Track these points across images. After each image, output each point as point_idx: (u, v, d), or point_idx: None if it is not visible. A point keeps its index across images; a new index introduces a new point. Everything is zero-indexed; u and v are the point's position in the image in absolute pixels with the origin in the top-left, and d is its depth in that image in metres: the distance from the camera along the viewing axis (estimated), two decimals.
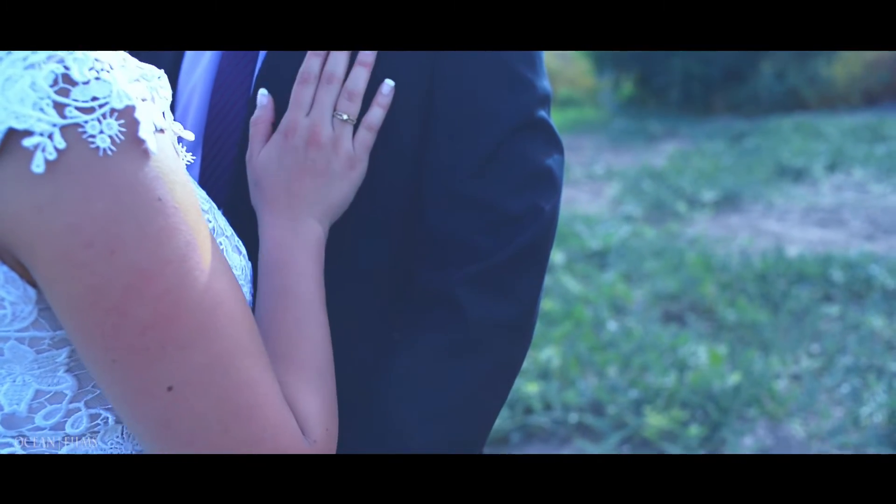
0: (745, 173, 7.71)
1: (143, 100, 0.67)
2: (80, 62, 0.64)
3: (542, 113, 1.01)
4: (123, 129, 0.64)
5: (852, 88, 12.06)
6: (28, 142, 0.62)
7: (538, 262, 0.99)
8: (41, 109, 0.62)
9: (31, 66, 0.63)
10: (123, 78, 0.66)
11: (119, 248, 0.64)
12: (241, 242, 0.87)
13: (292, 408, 0.78)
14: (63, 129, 0.62)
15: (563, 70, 14.19)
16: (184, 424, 0.70)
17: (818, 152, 8.40)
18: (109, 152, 0.63)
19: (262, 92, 0.98)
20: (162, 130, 0.68)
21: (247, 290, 0.84)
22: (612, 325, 4.25)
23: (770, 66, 12.11)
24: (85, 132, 0.63)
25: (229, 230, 0.85)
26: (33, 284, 0.67)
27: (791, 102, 11.74)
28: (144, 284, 0.66)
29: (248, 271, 0.87)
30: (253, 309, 0.89)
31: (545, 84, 1.02)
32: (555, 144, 1.02)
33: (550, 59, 13.49)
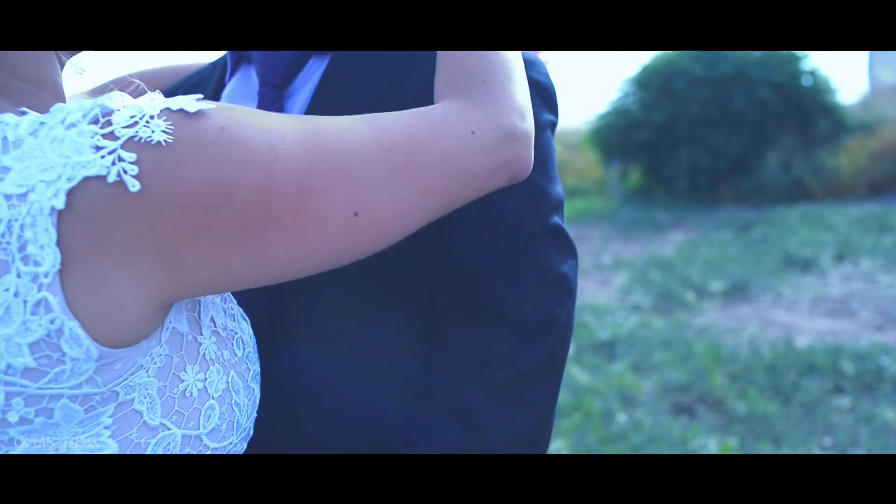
0: (753, 263, 7.73)
1: (167, 100, 0.72)
2: (109, 98, 0.70)
3: (557, 219, 1.02)
4: (170, 123, 0.69)
5: (858, 179, 12.16)
6: (111, 178, 0.67)
7: (555, 372, 0.98)
8: (96, 147, 0.67)
9: (72, 124, 0.68)
10: (142, 99, 0.72)
11: (231, 188, 0.70)
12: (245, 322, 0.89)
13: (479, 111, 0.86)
14: (123, 145, 0.67)
15: (571, 161, 14.36)
16: (384, 216, 0.78)
17: (826, 242, 8.43)
18: (170, 140, 0.68)
19: None
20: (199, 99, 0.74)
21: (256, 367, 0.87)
22: (621, 417, 4.21)
23: (776, 156, 12.25)
24: (140, 138, 0.68)
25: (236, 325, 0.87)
26: (100, 342, 0.69)
27: (797, 193, 11.83)
28: (268, 193, 0.71)
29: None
30: None
31: (559, 190, 1.04)
32: (569, 250, 1.03)
33: (559, 151, 13.58)
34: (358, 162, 0.76)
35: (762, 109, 12.21)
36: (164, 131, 0.68)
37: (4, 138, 0.68)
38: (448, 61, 0.91)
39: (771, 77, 12.23)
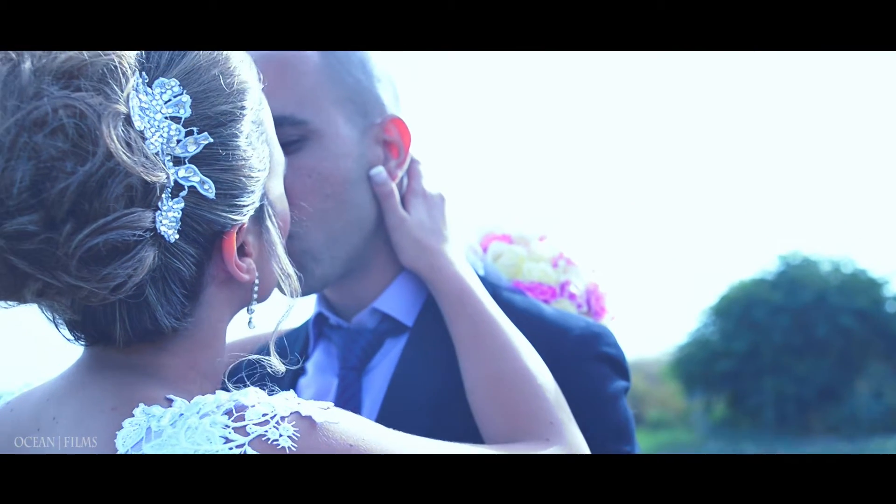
0: None
1: (299, 403, 0.80)
2: (245, 394, 0.79)
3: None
4: (297, 430, 0.77)
5: None
6: None
7: None
8: (226, 439, 0.75)
9: (206, 414, 0.77)
10: (277, 398, 0.80)
11: None
12: None
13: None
14: (251, 442, 0.75)
15: (653, 391, 14.13)
16: None
17: None
18: (294, 448, 0.76)
19: (376, 170, 1.11)
20: (327, 408, 0.81)
21: None
22: None
23: (866, 385, 11.89)
24: (268, 439, 0.76)
25: None
26: None
27: (892, 422, 11.36)
28: None
29: None
30: None
31: (638, 452, 1.14)
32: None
33: (640, 381, 13.44)
34: None
35: (846, 337, 11.99)
36: (290, 437, 0.76)
37: (149, 428, 0.77)
38: (507, 402, 1.02)
39: (853, 304, 12.09)
